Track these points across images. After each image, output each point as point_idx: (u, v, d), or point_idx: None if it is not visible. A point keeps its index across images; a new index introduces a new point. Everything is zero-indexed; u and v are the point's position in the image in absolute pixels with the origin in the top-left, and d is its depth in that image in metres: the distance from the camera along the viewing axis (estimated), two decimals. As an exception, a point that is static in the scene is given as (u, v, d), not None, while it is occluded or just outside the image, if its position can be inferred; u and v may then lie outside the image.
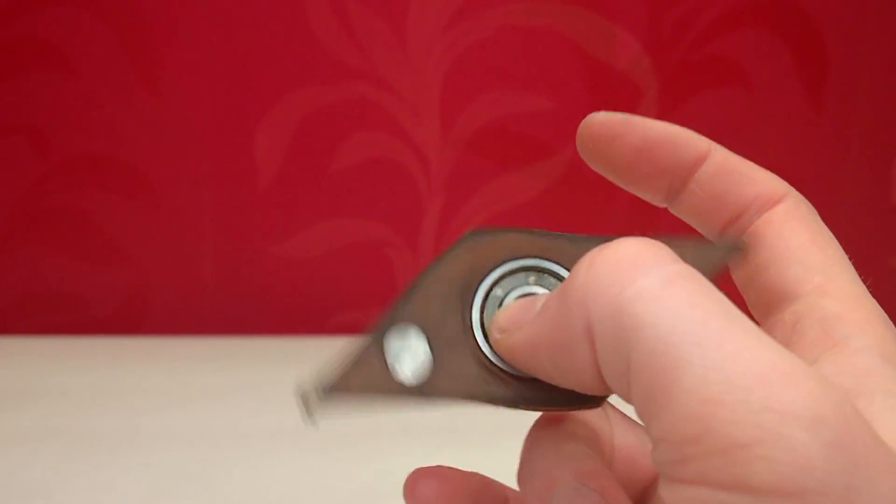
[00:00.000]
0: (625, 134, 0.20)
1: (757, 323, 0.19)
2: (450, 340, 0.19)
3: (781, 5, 0.78)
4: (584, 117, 0.21)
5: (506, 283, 0.19)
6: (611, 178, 0.21)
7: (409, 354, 0.19)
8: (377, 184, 0.79)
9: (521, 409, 0.19)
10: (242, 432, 0.56)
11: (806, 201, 0.20)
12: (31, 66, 0.76)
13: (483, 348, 0.19)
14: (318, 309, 0.80)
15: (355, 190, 0.79)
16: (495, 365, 0.19)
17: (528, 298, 0.18)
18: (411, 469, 0.22)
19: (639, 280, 0.15)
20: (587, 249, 0.16)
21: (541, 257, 0.19)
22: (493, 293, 0.19)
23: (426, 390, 0.18)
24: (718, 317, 0.14)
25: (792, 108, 0.80)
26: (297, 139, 0.78)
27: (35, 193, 0.78)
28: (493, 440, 0.53)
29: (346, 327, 0.80)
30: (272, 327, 0.80)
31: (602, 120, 0.20)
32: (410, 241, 0.80)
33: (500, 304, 0.19)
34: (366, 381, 0.18)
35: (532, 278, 0.19)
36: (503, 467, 0.51)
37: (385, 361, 0.19)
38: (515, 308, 0.18)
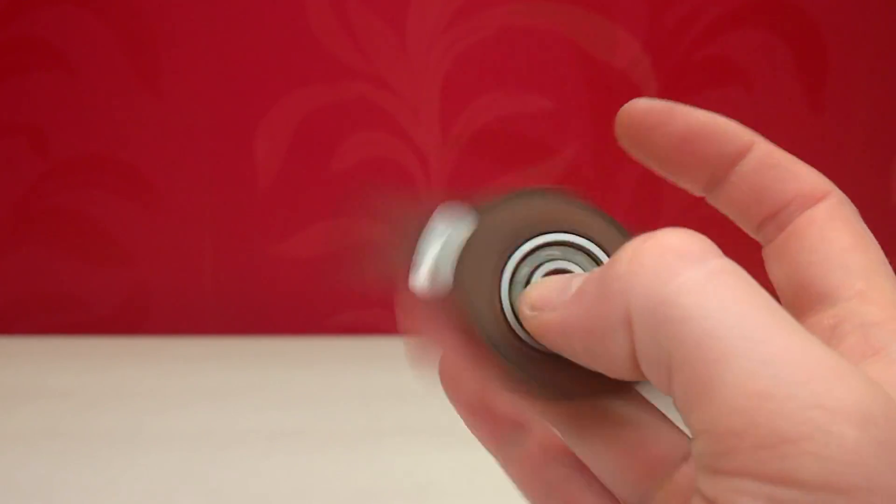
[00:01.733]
0: (668, 122, 0.20)
1: None
2: (478, 269, 0.19)
3: (782, 6, 0.78)
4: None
5: (540, 254, 0.19)
6: (650, 165, 0.21)
7: (439, 260, 0.19)
8: (377, 184, 0.79)
9: (533, 392, 0.19)
10: (242, 432, 0.56)
11: (848, 201, 0.19)
12: (31, 66, 0.76)
13: (508, 317, 0.19)
14: (318, 309, 0.80)
15: (355, 190, 0.79)
16: (517, 335, 0.19)
17: (561, 277, 0.18)
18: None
19: (685, 272, 0.15)
20: (624, 236, 0.16)
21: (578, 233, 0.19)
22: (525, 262, 0.19)
23: (440, 299, 0.19)
24: (765, 312, 0.14)
25: (792, 108, 0.80)
26: (297, 139, 0.78)
27: (35, 193, 0.78)
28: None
29: (346, 327, 0.80)
30: (272, 327, 0.80)
31: (645, 107, 0.20)
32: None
33: (531, 278, 0.19)
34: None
35: (578, 257, 0.19)
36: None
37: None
38: (548, 286, 0.18)
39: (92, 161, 0.77)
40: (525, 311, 0.18)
